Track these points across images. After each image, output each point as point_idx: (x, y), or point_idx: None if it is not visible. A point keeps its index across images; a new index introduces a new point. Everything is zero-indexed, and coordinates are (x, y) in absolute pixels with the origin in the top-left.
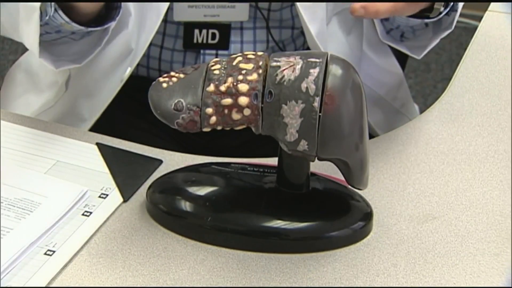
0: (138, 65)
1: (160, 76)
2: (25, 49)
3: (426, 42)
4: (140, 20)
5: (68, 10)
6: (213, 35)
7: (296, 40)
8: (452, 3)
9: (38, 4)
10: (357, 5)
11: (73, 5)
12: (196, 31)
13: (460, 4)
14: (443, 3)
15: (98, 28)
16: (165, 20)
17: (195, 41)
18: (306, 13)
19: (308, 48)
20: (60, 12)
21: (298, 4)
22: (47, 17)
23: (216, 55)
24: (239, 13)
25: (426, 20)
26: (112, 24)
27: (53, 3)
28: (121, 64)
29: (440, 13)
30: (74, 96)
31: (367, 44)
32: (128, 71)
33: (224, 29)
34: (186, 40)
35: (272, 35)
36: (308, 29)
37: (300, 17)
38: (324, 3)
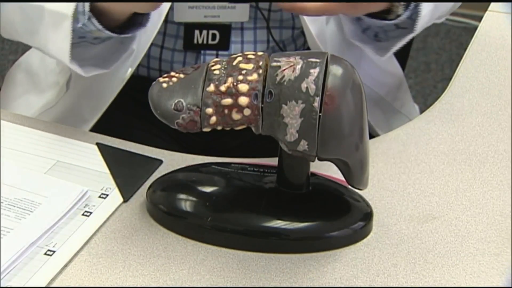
0: (138, 65)
1: (161, 76)
2: (25, 49)
3: (390, 45)
4: None
5: (100, 17)
6: (214, 35)
7: (297, 40)
8: (412, 6)
9: (70, 11)
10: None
11: (105, 12)
12: (197, 32)
13: (425, 7)
14: (403, 5)
15: (129, 35)
16: (166, 20)
17: (195, 41)
18: None
19: (308, 48)
20: (94, 20)
21: None
22: (79, 25)
23: (217, 56)
24: (240, 13)
25: (385, 22)
26: (141, 30)
27: (87, 12)
28: (122, 64)
29: (399, 15)
30: (75, 97)
31: None
32: (129, 71)
33: (225, 29)
34: (187, 41)
35: (273, 35)
36: (308, 29)
37: (300, 17)
38: None
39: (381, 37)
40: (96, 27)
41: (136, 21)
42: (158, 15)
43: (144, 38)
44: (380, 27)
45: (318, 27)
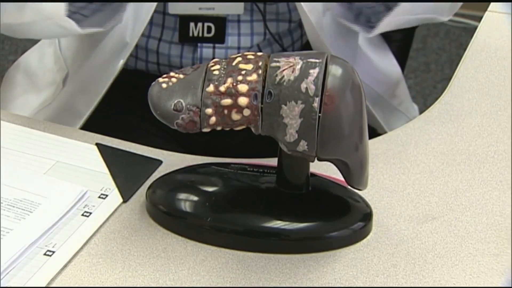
0: (136, 59)
1: (159, 69)
2: (24, 50)
3: (377, 20)
4: (136, 14)
5: None
6: (209, 28)
7: (293, 32)
8: None
9: None
10: None
11: None
12: (192, 24)
13: None
14: None
15: None
16: (164, 12)
17: (190, 34)
18: (306, 4)
19: (306, 43)
20: None
21: None
22: None
23: (214, 49)
24: (235, 6)
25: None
26: None
27: None
28: (116, 58)
29: None
30: (71, 93)
31: (363, 41)
32: (121, 63)
33: (220, 22)
34: (182, 33)
35: (269, 28)
36: (308, 19)
37: (299, 8)
38: None
39: (373, 22)
40: None
41: None
42: (149, 6)
43: (136, 29)
44: (370, 8)
45: (316, 18)
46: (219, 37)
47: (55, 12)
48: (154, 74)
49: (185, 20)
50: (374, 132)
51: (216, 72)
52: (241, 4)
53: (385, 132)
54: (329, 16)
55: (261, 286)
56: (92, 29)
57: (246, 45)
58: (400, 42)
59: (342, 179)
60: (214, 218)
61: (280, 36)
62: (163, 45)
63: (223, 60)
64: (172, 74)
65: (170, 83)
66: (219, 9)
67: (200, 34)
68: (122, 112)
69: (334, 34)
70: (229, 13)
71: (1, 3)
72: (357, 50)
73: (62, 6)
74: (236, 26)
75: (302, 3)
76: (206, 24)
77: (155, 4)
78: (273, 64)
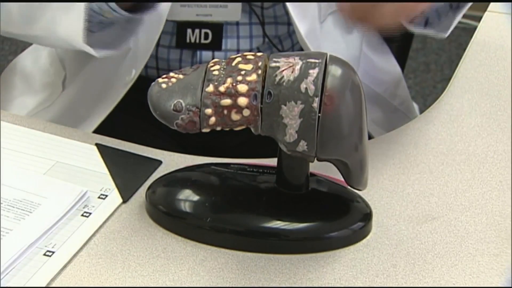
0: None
1: (158, 74)
2: (24, 50)
3: (449, 22)
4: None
5: None
6: (206, 34)
7: (293, 35)
8: None
9: None
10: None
11: None
12: (189, 31)
13: None
14: None
15: (138, 16)
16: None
17: (188, 40)
18: (295, 11)
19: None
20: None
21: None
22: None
23: (213, 53)
24: (232, 12)
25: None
26: (150, 12)
27: None
28: (123, 65)
29: None
30: (72, 95)
31: (366, 44)
32: (134, 73)
33: (217, 28)
34: (179, 40)
35: (268, 31)
36: (297, 27)
37: (290, 15)
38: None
39: (431, 22)
40: (110, 7)
41: (147, 5)
42: (158, 17)
43: (149, 38)
44: (435, 10)
45: (308, 26)
46: (216, 44)
47: (71, 37)
48: (153, 79)
49: (182, 27)
50: (369, 137)
51: (216, 72)
52: (239, 11)
53: (381, 135)
54: (331, 21)
55: (261, 286)
56: (106, 52)
57: (246, 48)
58: (400, 42)
59: (342, 179)
60: (214, 218)
61: (280, 39)
62: (161, 50)
63: (223, 60)
64: (171, 74)
65: (170, 83)
66: (216, 15)
67: (198, 41)
68: (121, 113)
69: (335, 40)
70: (227, 19)
71: (8, 17)
72: (360, 54)
73: (80, 31)
74: (235, 29)
75: (291, 11)
76: (203, 31)
77: (164, 16)
78: (273, 64)
